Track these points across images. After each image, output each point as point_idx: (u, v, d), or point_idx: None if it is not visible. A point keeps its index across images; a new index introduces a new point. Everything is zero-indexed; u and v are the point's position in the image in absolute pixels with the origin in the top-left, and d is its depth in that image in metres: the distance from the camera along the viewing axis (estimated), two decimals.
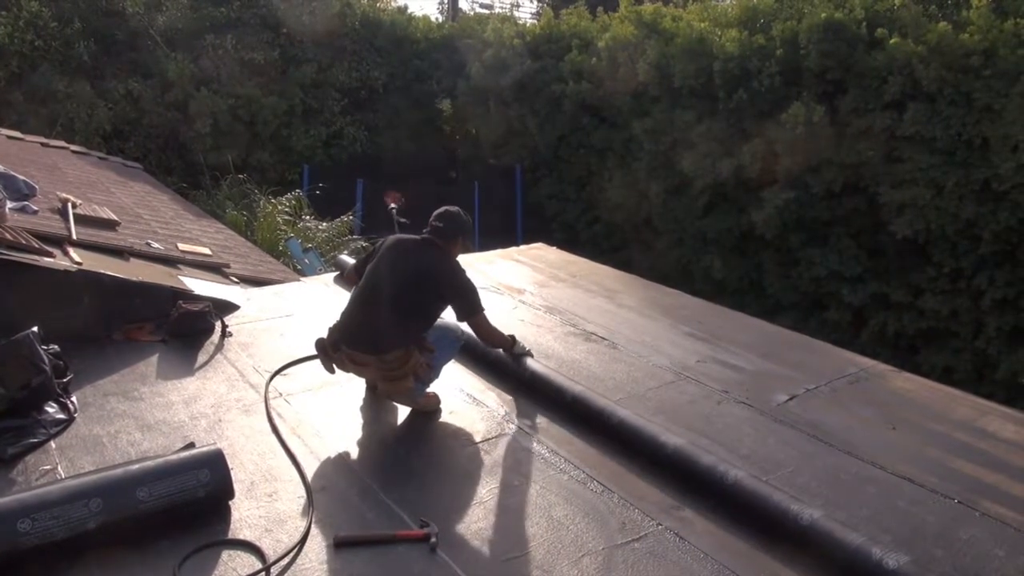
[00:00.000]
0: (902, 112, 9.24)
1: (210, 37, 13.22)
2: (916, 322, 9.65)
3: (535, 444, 3.34)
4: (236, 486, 2.81)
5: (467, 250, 3.88)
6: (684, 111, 11.38)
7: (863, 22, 9.75)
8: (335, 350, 3.44)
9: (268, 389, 3.69)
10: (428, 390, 3.62)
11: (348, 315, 3.49)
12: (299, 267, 8.80)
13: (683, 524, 2.80)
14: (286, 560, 2.52)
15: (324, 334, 3.51)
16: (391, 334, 3.34)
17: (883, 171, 9.53)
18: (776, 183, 10.29)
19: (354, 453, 3.27)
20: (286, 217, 10.06)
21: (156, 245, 5.44)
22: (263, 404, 3.56)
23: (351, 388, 3.81)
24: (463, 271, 3.54)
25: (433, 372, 3.56)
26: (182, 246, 5.78)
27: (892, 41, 9.27)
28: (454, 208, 3.61)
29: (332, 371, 3.54)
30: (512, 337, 3.85)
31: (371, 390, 3.75)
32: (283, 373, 3.90)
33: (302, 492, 2.90)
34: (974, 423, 3.62)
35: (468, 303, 3.52)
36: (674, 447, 3.13)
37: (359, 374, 3.58)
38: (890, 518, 2.84)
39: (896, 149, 9.40)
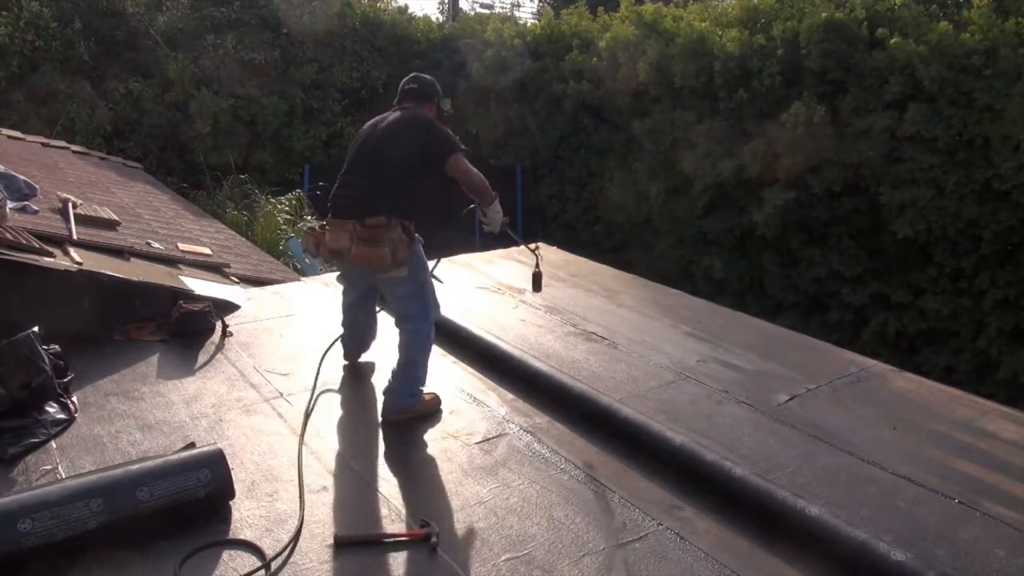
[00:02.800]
0: (903, 112, 9.23)
1: (210, 37, 13.22)
2: (917, 322, 9.64)
3: (536, 443, 3.33)
4: (237, 486, 2.81)
5: (443, 113, 3.73)
6: (685, 111, 11.38)
7: (864, 22, 9.74)
8: (318, 229, 3.42)
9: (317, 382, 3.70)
10: (427, 391, 3.58)
11: (335, 189, 3.47)
12: (299, 267, 8.80)
13: (684, 524, 2.80)
14: (285, 558, 2.52)
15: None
16: (372, 200, 3.29)
17: (884, 171, 9.53)
18: (777, 183, 10.28)
19: (355, 453, 3.27)
20: (286, 217, 10.06)
21: (156, 245, 5.44)
22: (267, 404, 3.57)
23: (352, 388, 3.81)
24: (439, 123, 3.48)
25: (416, 284, 3.42)
26: (182, 246, 5.78)
27: (893, 41, 9.26)
28: (426, 75, 3.61)
29: (316, 254, 3.50)
30: (495, 195, 3.57)
31: (351, 364, 3.76)
32: (283, 372, 3.90)
33: (302, 492, 2.89)
34: (975, 423, 3.62)
35: (446, 142, 3.40)
36: (681, 442, 3.14)
37: (333, 248, 3.36)
38: (891, 518, 2.84)
39: (897, 149, 9.40)
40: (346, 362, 4.02)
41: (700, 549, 2.66)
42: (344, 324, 3.97)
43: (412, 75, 3.66)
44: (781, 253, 10.75)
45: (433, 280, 3.73)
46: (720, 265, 11.24)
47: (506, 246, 6.63)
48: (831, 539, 2.60)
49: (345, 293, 3.84)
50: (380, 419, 3.51)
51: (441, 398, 3.65)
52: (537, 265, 4.05)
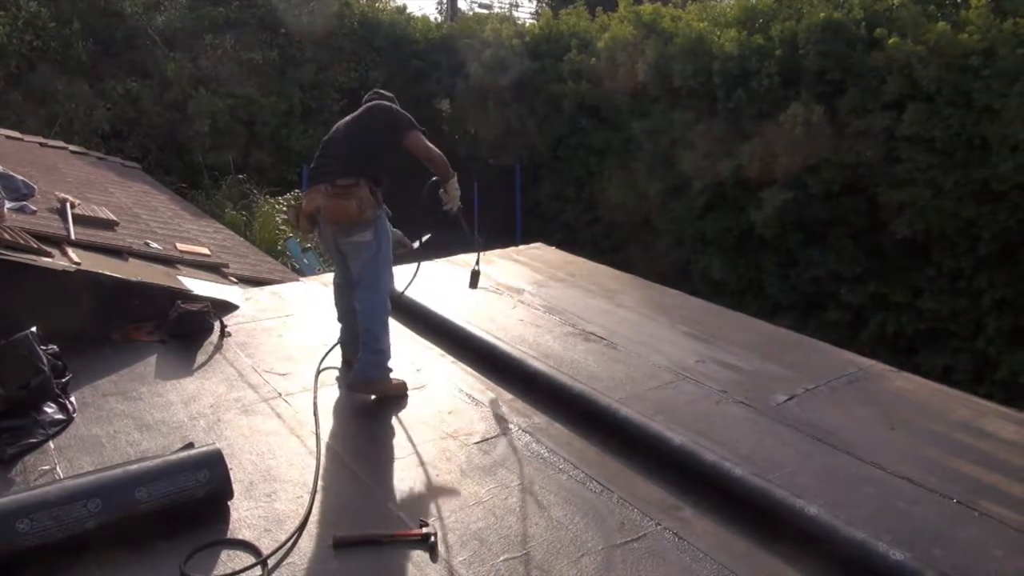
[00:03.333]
0: (901, 112, 9.23)
1: (209, 37, 13.22)
2: (915, 322, 9.65)
3: (534, 444, 3.33)
4: (235, 486, 2.81)
5: None
6: (683, 111, 11.38)
7: (862, 22, 9.74)
8: (297, 207, 3.74)
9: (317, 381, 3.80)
10: (395, 377, 3.71)
11: (311, 167, 3.76)
12: (298, 267, 8.81)
13: (683, 524, 2.80)
14: (281, 557, 2.52)
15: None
16: (343, 164, 3.57)
17: (882, 171, 9.53)
18: (775, 183, 10.28)
19: (353, 453, 3.26)
20: (285, 217, 10.06)
21: (155, 245, 5.44)
22: (265, 404, 3.57)
23: (347, 391, 3.81)
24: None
25: (376, 252, 3.62)
26: (181, 246, 5.78)
27: (891, 41, 9.26)
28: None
29: (296, 225, 3.83)
30: (454, 172, 3.81)
31: (344, 365, 3.89)
32: (282, 372, 3.90)
33: (301, 492, 2.89)
34: (973, 423, 3.62)
35: (407, 120, 3.71)
36: (680, 442, 3.15)
37: (309, 210, 3.64)
38: (889, 518, 2.84)
39: (895, 149, 9.40)
40: (346, 360, 4.03)
41: (699, 549, 2.66)
42: (339, 316, 4.02)
43: (373, 90, 4.00)
44: (780, 253, 10.75)
45: (415, 243, 4.04)
46: (719, 265, 11.25)
47: (505, 246, 6.63)
48: (829, 539, 2.61)
49: (335, 277, 3.99)
50: (351, 389, 3.68)
51: (441, 401, 3.66)
52: (477, 263, 4.36)
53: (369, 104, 3.81)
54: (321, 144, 3.79)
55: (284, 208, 10.25)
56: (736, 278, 11.26)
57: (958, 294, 9.36)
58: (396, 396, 3.72)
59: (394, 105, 3.80)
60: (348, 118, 3.83)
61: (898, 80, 9.20)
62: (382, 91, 3.97)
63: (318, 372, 3.91)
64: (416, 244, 4.10)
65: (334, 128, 3.82)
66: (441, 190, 3.83)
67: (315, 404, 3.58)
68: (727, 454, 3.17)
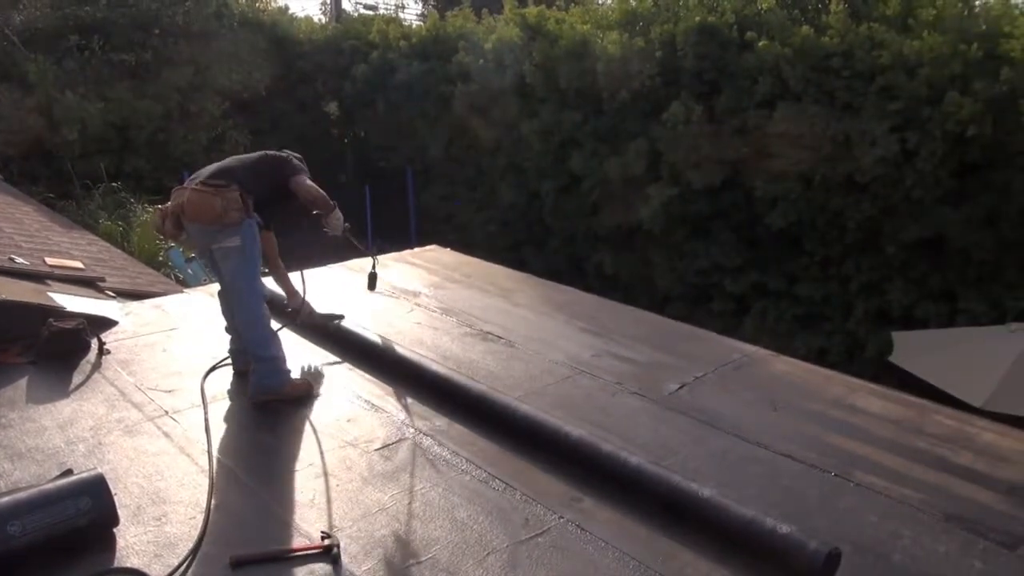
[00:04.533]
0: (772, 110, 9.76)
1: (75, 38, 12.43)
2: (792, 308, 10.23)
3: (436, 446, 3.33)
4: (121, 512, 2.66)
5: None
6: (571, 111, 11.62)
7: (734, 25, 10.24)
8: (163, 209, 3.63)
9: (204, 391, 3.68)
10: (296, 377, 3.76)
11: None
12: (182, 277, 8.43)
13: (584, 515, 2.86)
14: None
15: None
16: (218, 170, 3.57)
17: (757, 167, 10.05)
18: (660, 180, 10.66)
19: (247, 469, 3.16)
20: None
21: (21, 260, 5.08)
22: (151, 423, 3.40)
23: (239, 402, 3.68)
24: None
25: (246, 258, 3.58)
26: (50, 260, 5.43)
27: (761, 44, 9.78)
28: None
29: (161, 228, 3.69)
30: (334, 204, 3.84)
31: (239, 376, 3.85)
32: (167, 389, 3.72)
33: (193, 513, 2.78)
34: (846, 400, 3.89)
35: (296, 165, 3.79)
36: (579, 435, 3.22)
37: (174, 209, 3.53)
38: (775, 494, 3.01)
39: (768, 146, 9.92)
40: (239, 372, 3.91)
41: (600, 538, 2.73)
42: (227, 327, 3.93)
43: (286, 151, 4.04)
44: (667, 247, 11.15)
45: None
46: (610, 261, 11.57)
47: (399, 249, 6.58)
48: (723, 518, 2.73)
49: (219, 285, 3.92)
50: (251, 401, 3.65)
51: (340, 409, 3.59)
52: (373, 267, 4.72)
53: (261, 152, 3.90)
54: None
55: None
56: (627, 273, 11.61)
57: (829, 280, 10.00)
58: (305, 396, 3.71)
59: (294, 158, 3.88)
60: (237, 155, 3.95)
61: (768, 80, 9.73)
62: (292, 153, 4.01)
63: (204, 381, 3.77)
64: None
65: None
66: (323, 220, 3.87)
67: (206, 419, 3.44)
68: (624, 444, 3.26)
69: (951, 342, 6.57)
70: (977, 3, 9.25)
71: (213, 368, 3.94)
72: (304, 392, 3.73)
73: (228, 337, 3.95)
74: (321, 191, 3.81)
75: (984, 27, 8.75)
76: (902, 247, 9.24)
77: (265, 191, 3.63)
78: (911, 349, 6.39)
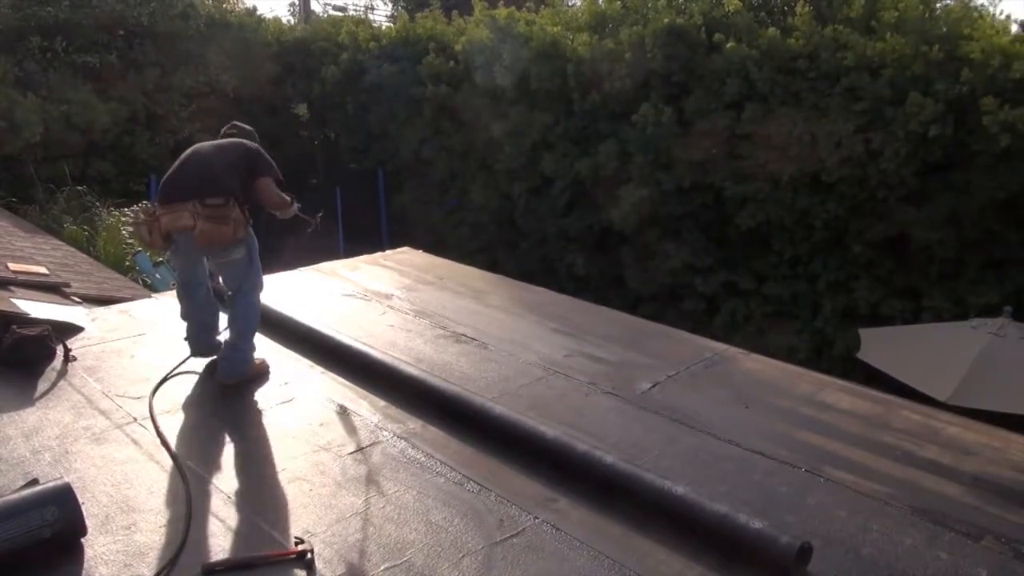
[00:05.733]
0: (740, 112, 9.88)
1: (36, 39, 12.19)
2: (762, 306, 10.36)
3: (410, 449, 3.32)
4: (89, 521, 2.62)
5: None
6: (541, 113, 11.65)
7: (702, 27, 10.35)
8: (150, 215, 3.63)
9: (152, 405, 3.59)
10: (257, 357, 3.93)
11: (164, 182, 3.66)
12: (149, 282, 8.31)
13: (559, 516, 2.87)
14: None
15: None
16: (212, 181, 3.58)
17: (726, 167, 10.16)
18: (631, 181, 10.73)
19: (219, 474, 3.12)
20: (132, 231, 9.43)
21: None
22: (119, 430, 3.34)
23: (210, 408, 3.64)
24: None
25: (251, 261, 3.79)
26: (13, 266, 5.32)
27: (729, 45, 9.90)
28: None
29: (148, 241, 3.72)
30: (293, 204, 3.98)
31: (211, 372, 3.91)
32: (135, 395, 3.66)
33: (163, 521, 2.74)
34: (815, 397, 3.95)
35: (268, 165, 3.81)
36: (553, 435, 3.23)
37: (172, 229, 3.57)
38: (747, 490, 3.05)
39: (737, 146, 10.04)
40: (198, 358, 4.00)
41: (575, 538, 2.74)
42: (186, 313, 3.96)
43: (232, 123, 4.12)
44: (638, 248, 11.23)
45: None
46: (582, 262, 11.62)
47: (371, 252, 6.54)
48: (696, 515, 2.76)
49: (179, 277, 3.96)
50: (220, 384, 3.82)
51: (312, 413, 3.57)
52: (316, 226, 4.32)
53: (236, 140, 3.88)
54: (180, 161, 3.75)
55: (132, 220, 9.60)
56: (599, 273, 11.67)
57: (797, 279, 10.15)
58: (264, 374, 3.95)
59: (255, 143, 3.90)
60: (216, 141, 3.89)
61: (736, 82, 9.84)
62: (241, 124, 4.09)
63: (152, 397, 3.66)
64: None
65: (191, 150, 3.81)
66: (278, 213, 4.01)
67: (156, 425, 3.40)
68: (598, 443, 3.28)
69: (916, 338, 6.69)
70: (938, 6, 9.45)
71: (167, 376, 3.88)
72: (264, 370, 3.97)
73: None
74: (284, 197, 3.93)
75: (945, 29, 8.95)
76: (868, 246, 9.41)
77: (249, 184, 3.76)
78: (878, 345, 6.48)
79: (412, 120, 13.40)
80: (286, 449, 3.32)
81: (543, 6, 13.29)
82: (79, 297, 5.17)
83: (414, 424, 3.54)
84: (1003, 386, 5.20)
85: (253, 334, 3.91)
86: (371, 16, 22.72)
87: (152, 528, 2.70)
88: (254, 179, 3.75)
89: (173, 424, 3.45)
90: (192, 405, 3.67)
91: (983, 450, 3.44)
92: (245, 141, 3.88)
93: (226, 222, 3.53)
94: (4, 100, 11.68)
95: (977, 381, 5.21)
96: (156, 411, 3.54)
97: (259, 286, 3.93)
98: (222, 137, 3.97)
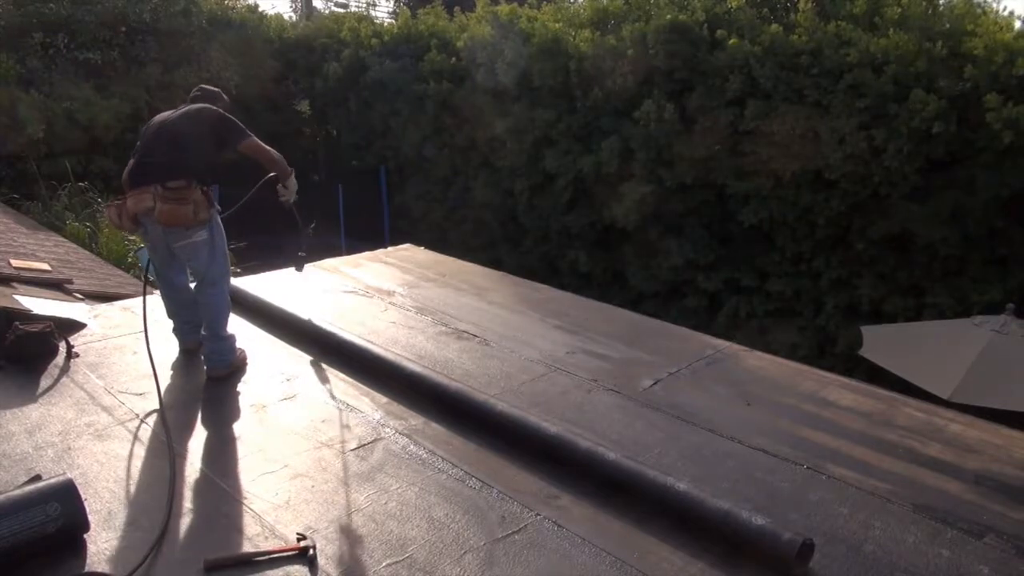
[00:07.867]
0: (743, 108, 9.86)
1: (39, 35, 12.19)
2: (764, 304, 10.36)
3: (412, 446, 3.32)
4: (91, 517, 2.62)
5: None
6: (544, 109, 11.64)
7: (704, 24, 10.33)
8: (119, 206, 3.68)
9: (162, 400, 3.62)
10: (240, 346, 3.98)
11: (130, 164, 3.69)
12: (151, 279, 8.30)
13: (561, 512, 2.87)
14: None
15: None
16: (172, 167, 3.56)
17: (729, 164, 10.15)
18: (633, 178, 10.73)
19: (222, 471, 3.12)
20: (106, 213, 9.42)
21: None
22: (121, 427, 3.34)
23: (212, 404, 3.64)
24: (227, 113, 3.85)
25: (215, 248, 3.78)
26: (15, 262, 5.32)
27: (731, 42, 9.88)
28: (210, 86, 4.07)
29: (119, 224, 3.77)
30: (291, 169, 3.94)
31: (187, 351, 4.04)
32: (138, 392, 3.67)
33: (165, 517, 2.74)
34: (818, 394, 3.94)
35: (236, 129, 3.76)
36: (555, 432, 3.23)
37: (136, 214, 3.62)
38: (749, 487, 3.04)
39: (739, 143, 10.03)
40: (187, 349, 4.10)
41: (577, 535, 2.74)
42: (169, 311, 4.07)
43: (199, 86, 4.07)
44: (640, 245, 11.22)
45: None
46: (584, 259, 11.62)
47: (373, 248, 6.55)
48: (698, 512, 2.76)
49: (155, 270, 3.98)
50: (207, 376, 3.88)
51: (314, 410, 3.57)
52: (302, 249, 4.47)
53: (197, 107, 3.80)
54: (144, 139, 3.74)
55: (105, 205, 9.60)
56: (601, 270, 11.67)
57: (800, 276, 10.14)
58: (245, 364, 4.00)
59: (220, 107, 3.84)
60: (171, 114, 3.80)
61: (739, 78, 9.83)
62: (207, 87, 4.04)
63: (159, 390, 3.72)
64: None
65: (155, 122, 3.79)
66: (280, 184, 3.96)
67: (164, 421, 3.40)
68: (600, 440, 3.28)
69: (919, 335, 6.68)
70: (941, 2, 9.43)
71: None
72: (244, 360, 4.02)
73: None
74: (277, 152, 3.89)
75: (948, 25, 8.93)
76: (871, 243, 9.39)
77: (215, 158, 3.75)
78: (880, 343, 6.48)
79: (414, 117, 13.40)
80: (288, 445, 3.32)
81: (545, 3, 13.28)
82: (81, 294, 5.17)
83: (416, 421, 3.54)
84: (1006, 383, 5.19)
85: (226, 324, 3.91)
86: (373, 13, 22.72)
87: (154, 524, 2.70)
88: (226, 149, 3.75)
89: (174, 420, 3.45)
90: (193, 401, 3.67)
91: (986, 448, 3.43)
92: (209, 106, 3.80)
93: (186, 202, 3.55)
94: (6, 97, 11.68)
95: (980, 378, 5.21)
96: (157, 408, 3.54)
97: (226, 275, 3.93)
98: (191, 101, 3.90)
